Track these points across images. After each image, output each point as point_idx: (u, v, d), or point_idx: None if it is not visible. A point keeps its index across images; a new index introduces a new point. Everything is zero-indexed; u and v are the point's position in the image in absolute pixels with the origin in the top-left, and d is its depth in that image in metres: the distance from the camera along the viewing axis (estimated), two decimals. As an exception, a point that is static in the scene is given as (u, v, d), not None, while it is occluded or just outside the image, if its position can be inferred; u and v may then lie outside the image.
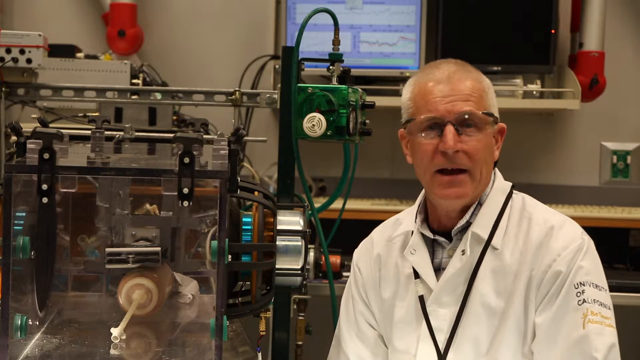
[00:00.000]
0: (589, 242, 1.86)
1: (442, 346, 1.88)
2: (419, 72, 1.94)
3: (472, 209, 1.89)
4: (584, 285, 1.80)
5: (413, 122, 1.87)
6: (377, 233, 2.08)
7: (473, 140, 1.83)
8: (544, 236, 1.85)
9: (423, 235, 1.93)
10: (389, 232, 2.04)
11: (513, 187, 1.95)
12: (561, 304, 1.79)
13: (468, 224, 1.89)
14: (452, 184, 1.84)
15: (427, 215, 1.96)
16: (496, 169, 1.96)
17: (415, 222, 1.95)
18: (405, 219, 2.02)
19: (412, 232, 1.95)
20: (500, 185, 1.94)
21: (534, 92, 3.50)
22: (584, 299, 1.79)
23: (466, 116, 1.83)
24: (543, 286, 1.82)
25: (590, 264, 1.83)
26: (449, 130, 1.82)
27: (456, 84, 1.85)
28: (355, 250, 2.10)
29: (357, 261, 2.07)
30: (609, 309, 1.82)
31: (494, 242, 1.87)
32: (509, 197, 1.92)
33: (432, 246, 1.93)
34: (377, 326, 2.02)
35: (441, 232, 1.92)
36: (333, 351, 2.08)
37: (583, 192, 3.74)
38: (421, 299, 1.91)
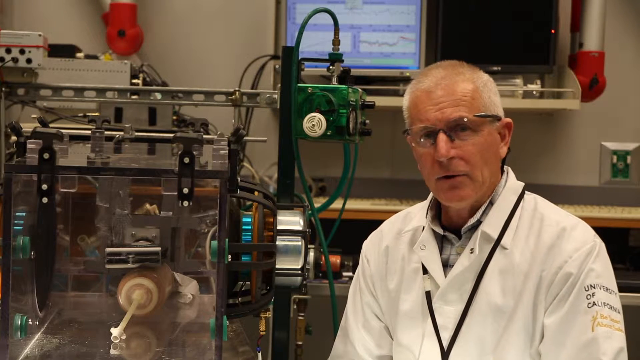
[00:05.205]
0: (600, 245, 1.86)
1: (445, 344, 1.88)
2: (413, 80, 1.94)
3: (483, 208, 1.89)
4: (594, 288, 1.80)
5: (410, 132, 1.89)
6: (387, 225, 2.09)
7: (468, 145, 1.83)
8: (556, 237, 1.85)
9: (433, 231, 1.94)
10: (399, 225, 2.04)
11: (524, 188, 1.95)
12: (571, 306, 1.79)
13: (478, 223, 1.89)
14: (453, 187, 1.84)
15: (438, 212, 1.96)
16: (509, 168, 1.96)
17: (427, 217, 1.95)
18: (416, 214, 2.02)
19: (423, 227, 1.96)
20: (512, 185, 1.94)
21: (534, 92, 3.49)
22: (594, 302, 1.79)
23: (457, 122, 1.83)
24: (553, 288, 1.82)
25: (601, 267, 1.83)
26: (441, 138, 1.82)
27: (445, 90, 1.85)
28: (365, 242, 2.11)
29: (366, 253, 2.08)
30: (619, 312, 1.82)
31: (503, 241, 1.87)
32: (520, 197, 1.92)
33: (441, 242, 1.94)
34: (384, 318, 2.03)
35: (451, 229, 1.93)
36: (339, 341, 2.09)
37: (583, 192, 3.74)
38: (428, 295, 1.92)
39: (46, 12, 3.77)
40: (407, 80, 3.40)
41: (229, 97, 2.54)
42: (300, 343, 2.83)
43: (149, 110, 2.71)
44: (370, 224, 2.16)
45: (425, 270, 1.93)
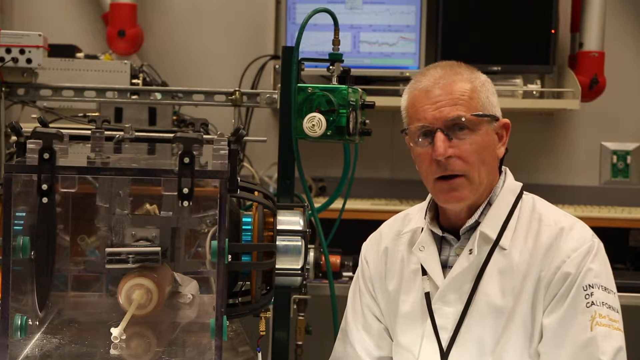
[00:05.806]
0: (598, 245, 1.86)
1: (445, 345, 1.88)
2: (411, 80, 1.94)
3: (481, 209, 1.89)
4: (592, 287, 1.80)
5: (408, 132, 1.89)
6: (386, 226, 2.09)
7: (465, 144, 1.83)
8: (554, 237, 1.85)
9: (432, 232, 1.94)
10: (398, 226, 2.05)
11: (523, 188, 1.95)
12: (569, 306, 1.80)
13: (477, 223, 1.89)
14: (451, 189, 1.85)
15: (437, 213, 1.96)
16: (507, 169, 1.96)
17: (425, 219, 1.95)
18: (415, 216, 2.03)
19: (422, 228, 1.96)
20: (510, 185, 1.94)
21: (534, 92, 3.49)
22: (592, 302, 1.79)
23: (455, 121, 1.83)
24: (552, 287, 1.82)
25: (599, 267, 1.83)
26: (438, 137, 1.82)
27: (443, 89, 1.85)
28: (364, 243, 2.11)
29: (365, 254, 2.08)
30: (617, 312, 1.82)
31: (502, 242, 1.87)
32: (518, 197, 1.93)
33: (439, 243, 1.94)
34: (383, 319, 2.03)
35: (450, 230, 1.93)
36: (339, 343, 2.09)
37: (583, 192, 3.74)
38: (427, 296, 1.92)
39: (46, 12, 3.77)
40: (407, 80, 3.37)
41: (229, 97, 2.54)
42: (300, 343, 2.83)
43: (149, 110, 2.71)
44: (370, 224, 2.16)
45: (424, 271, 1.93)
